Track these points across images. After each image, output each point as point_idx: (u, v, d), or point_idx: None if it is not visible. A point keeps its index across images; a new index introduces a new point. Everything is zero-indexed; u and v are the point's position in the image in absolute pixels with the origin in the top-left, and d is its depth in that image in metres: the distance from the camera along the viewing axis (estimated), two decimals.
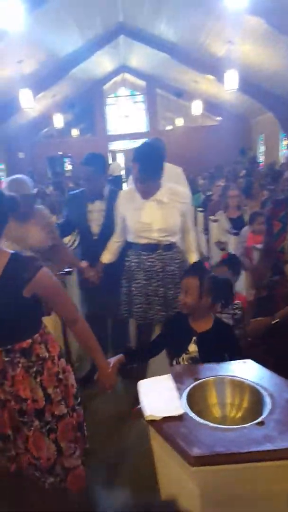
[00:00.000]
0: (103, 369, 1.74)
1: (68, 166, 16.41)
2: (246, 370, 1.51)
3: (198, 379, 1.48)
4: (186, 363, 1.80)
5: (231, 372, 1.50)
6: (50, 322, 2.44)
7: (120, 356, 1.84)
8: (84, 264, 2.79)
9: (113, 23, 10.79)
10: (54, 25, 8.29)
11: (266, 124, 13.79)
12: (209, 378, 1.48)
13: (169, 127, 17.79)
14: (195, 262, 2.35)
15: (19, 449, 1.61)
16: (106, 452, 2.30)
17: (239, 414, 1.39)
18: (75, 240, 3.38)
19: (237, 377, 1.45)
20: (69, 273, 2.98)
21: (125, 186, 7.46)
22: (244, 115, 15.47)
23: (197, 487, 1.21)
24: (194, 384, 1.46)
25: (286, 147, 12.54)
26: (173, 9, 8.58)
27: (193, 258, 2.58)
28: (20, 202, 2.39)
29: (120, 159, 17.51)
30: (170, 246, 2.44)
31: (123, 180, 13.28)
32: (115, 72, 16.73)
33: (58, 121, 14.60)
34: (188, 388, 1.44)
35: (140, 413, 1.39)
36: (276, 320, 1.97)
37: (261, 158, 14.90)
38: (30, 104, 10.06)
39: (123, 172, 15.28)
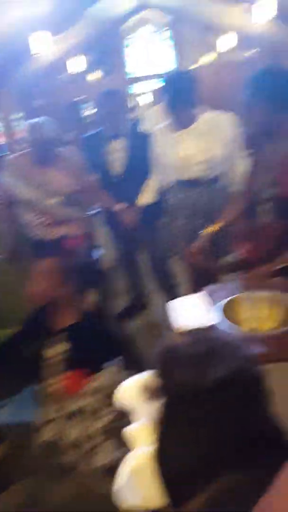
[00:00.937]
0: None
1: (87, 111, 16.18)
2: (278, 284, 1.57)
3: (231, 295, 1.56)
4: None
5: (263, 287, 1.56)
6: None
7: None
8: (121, 205, 2.76)
9: None
10: None
11: None
12: (241, 293, 1.55)
13: (202, 61, 17.06)
14: None
15: None
16: None
17: (273, 327, 1.47)
18: None
19: (269, 291, 1.52)
20: (97, 214, 3.05)
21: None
22: (282, 46, 14.61)
23: None
24: (227, 299, 1.53)
25: None
26: None
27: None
28: (39, 145, 2.48)
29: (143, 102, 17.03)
30: (216, 179, 2.41)
31: None
32: (136, 10, 15.99)
33: (76, 64, 14.23)
34: (221, 303, 1.52)
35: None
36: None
37: None
38: (47, 47, 9.84)
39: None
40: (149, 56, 17.85)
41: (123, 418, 0.70)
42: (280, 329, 1.31)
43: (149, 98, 16.11)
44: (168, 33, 18.48)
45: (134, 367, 2.00)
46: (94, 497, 1.12)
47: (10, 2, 8.27)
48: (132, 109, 14.94)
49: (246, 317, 1.54)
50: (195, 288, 1.99)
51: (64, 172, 2.61)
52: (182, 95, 2.21)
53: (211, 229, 2.02)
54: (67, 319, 1.78)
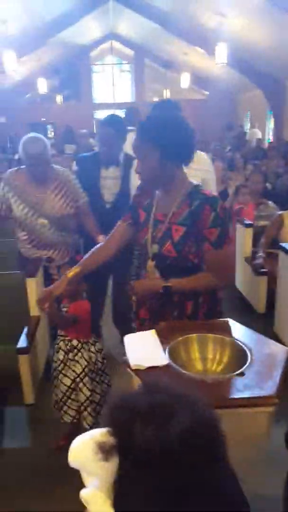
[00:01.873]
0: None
1: (51, 134, 16.03)
2: (227, 327, 1.59)
3: (181, 336, 1.54)
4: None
5: (212, 330, 1.56)
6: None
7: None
8: (101, 238, 2.51)
9: None
10: None
11: (253, 101, 13.74)
12: (192, 334, 1.54)
13: (155, 99, 17.50)
14: None
15: None
16: None
17: (220, 368, 1.46)
18: None
19: (218, 333, 1.52)
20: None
21: None
22: (231, 90, 15.33)
23: None
24: (177, 340, 1.52)
25: (273, 125, 12.54)
26: None
27: None
28: (35, 163, 2.36)
29: None
30: None
31: None
32: (103, 39, 16.23)
33: (42, 86, 14.17)
34: (172, 343, 1.50)
35: (126, 364, 1.45)
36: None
37: (247, 136, 14.89)
38: (13, 66, 9.70)
39: None
40: (113, 85, 18.17)
41: None
42: (227, 375, 1.31)
43: None
44: (128, 66, 18.96)
45: None
46: None
47: None
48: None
49: (196, 357, 1.53)
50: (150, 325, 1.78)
51: (58, 194, 2.46)
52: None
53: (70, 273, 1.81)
54: None
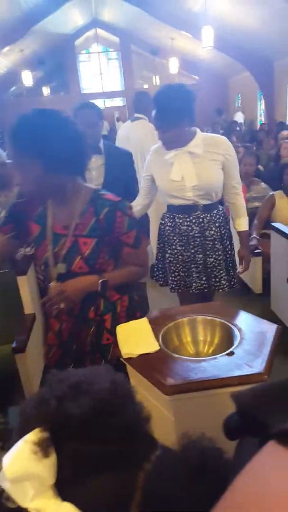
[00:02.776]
0: None
1: None
2: (218, 309, 1.60)
3: (172, 321, 1.56)
4: None
5: (203, 312, 1.58)
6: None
7: None
8: None
9: None
10: None
11: (244, 84, 13.65)
12: (182, 318, 1.56)
13: (145, 86, 17.38)
14: None
15: None
16: None
17: (211, 349, 1.48)
18: None
19: (208, 315, 1.54)
20: None
21: None
22: (221, 74, 15.23)
23: (172, 415, 1.30)
24: (168, 325, 1.53)
25: (263, 106, 12.47)
26: None
27: (242, 225, 2.24)
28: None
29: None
30: (210, 207, 2.09)
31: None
32: (87, 27, 16.05)
33: (27, 78, 13.99)
34: (163, 328, 1.52)
35: (119, 353, 1.46)
36: None
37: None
38: None
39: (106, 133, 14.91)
40: (101, 74, 18.00)
41: None
42: (218, 355, 1.32)
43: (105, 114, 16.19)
44: (115, 54, 18.76)
45: None
46: None
47: None
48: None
49: (187, 341, 1.55)
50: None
51: None
52: (168, 113, 1.92)
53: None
54: None
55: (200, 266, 2.13)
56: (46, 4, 10.10)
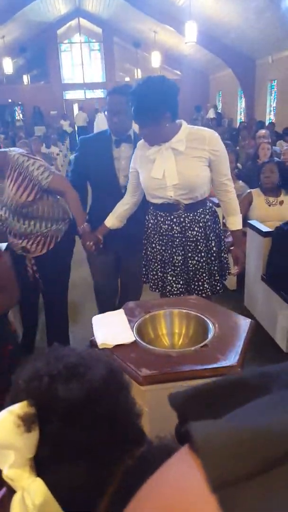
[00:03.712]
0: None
1: (19, 115, 15.64)
2: (193, 303, 1.62)
3: (149, 313, 1.57)
4: None
5: (179, 306, 1.60)
6: None
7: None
8: (85, 227, 2.26)
9: None
10: None
11: (225, 81, 13.73)
12: (158, 311, 1.58)
13: (127, 78, 17.26)
14: None
15: None
16: None
17: (186, 342, 1.50)
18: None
19: (184, 308, 1.56)
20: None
21: None
22: (203, 70, 15.28)
23: (146, 406, 1.31)
24: (144, 317, 1.55)
25: (244, 104, 12.58)
26: None
27: (234, 224, 2.07)
28: None
29: (76, 110, 16.89)
30: (194, 206, 1.95)
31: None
32: (70, 16, 15.79)
33: (8, 66, 13.68)
34: (139, 320, 1.53)
35: (94, 343, 1.47)
36: None
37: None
38: None
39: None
40: (82, 65, 17.74)
41: None
42: (192, 348, 1.35)
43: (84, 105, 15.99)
44: (97, 45, 18.51)
45: None
46: None
47: None
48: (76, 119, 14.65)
49: (163, 333, 1.57)
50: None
51: (13, 183, 2.15)
52: (145, 107, 1.80)
53: None
54: None
55: (178, 269, 1.98)
56: None
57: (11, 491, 0.59)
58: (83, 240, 2.28)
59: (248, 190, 3.48)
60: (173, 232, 1.96)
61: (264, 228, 2.74)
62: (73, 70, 17.38)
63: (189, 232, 1.95)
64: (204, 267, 1.96)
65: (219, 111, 13.85)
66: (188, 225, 1.95)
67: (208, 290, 1.96)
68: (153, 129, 1.84)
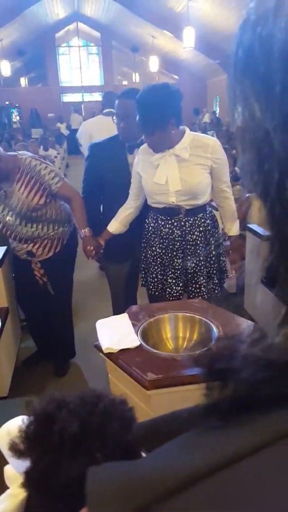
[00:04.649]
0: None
1: (16, 118, 15.63)
2: (197, 307, 1.63)
3: (153, 317, 1.57)
4: None
5: (183, 309, 1.60)
6: None
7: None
8: (87, 232, 2.25)
9: None
10: None
11: (223, 86, 13.80)
12: (163, 315, 1.58)
13: (125, 82, 17.33)
14: None
15: None
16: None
17: (191, 345, 1.51)
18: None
19: (188, 312, 1.56)
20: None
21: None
22: (200, 75, 15.37)
23: (151, 410, 1.31)
24: (148, 321, 1.55)
25: None
26: None
27: (232, 230, 2.12)
28: None
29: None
30: (195, 211, 1.99)
31: None
32: (68, 20, 15.85)
33: (5, 68, 13.70)
34: (144, 324, 1.53)
35: (99, 348, 1.47)
36: None
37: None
38: None
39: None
40: (80, 68, 17.78)
41: None
42: (197, 351, 1.35)
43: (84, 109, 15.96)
44: (95, 49, 18.56)
45: None
46: None
47: None
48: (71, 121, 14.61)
49: (167, 337, 1.57)
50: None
51: (25, 186, 2.16)
52: (150, 115, 1.82)
53: None
54: None
55: (178, 272, 2.01)
56: None
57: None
58: (84, 244, 2.27)
59: (247, 194, 3.50)
60: (174, 235, 1.99)
61: (264, 232, 2.75)
62: (71, 73, 17.41)
63: (189, 236, 1.99)
64: (202, 270, 2.00)
65: (218, 116, 13.90)
66: (189, 229, 1.98)
67: (205, 293, 2.00)
68: (159, 137, 1.86)
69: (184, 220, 1.97)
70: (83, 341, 2.66)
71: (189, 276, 2.00)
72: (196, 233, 1.98)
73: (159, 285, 2.08)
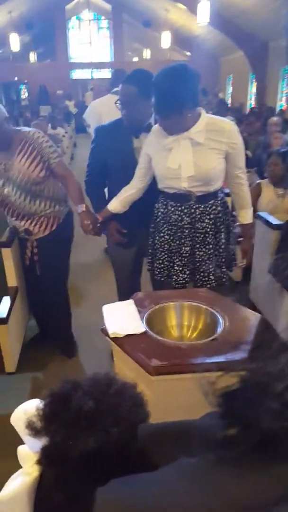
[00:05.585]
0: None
1: (25, 94, 15.48)
2: (203, 296, 1.66)
3: (158, 304, 1.61)
4: None
5: (188, 298, 1.63)
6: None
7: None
8: (83, 207, 2.25)
9: None
10: None
11: (236, 64, 13.51)
12: (168, 303, 1.61)
13: (135, 59, 17.02)
14: None
15: None
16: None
17: (195, 334, 1.54)
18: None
19: (193, 301, 1.59)
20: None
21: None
22: (214, 52, 15.01)
23: (154, 396, 1.36)
24: (154, 308, 1.58)
25: (255, 89, 12.40)
26: None
27: (245, 217, 2.10)
28: None
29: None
30: (206, 198, 1.95)
31: None
32: None
33: (15, 43, 13.48)
34: (149, 311, 1.57)
35: (105, 332, 1.51)
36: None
37: (229, 100, 14.75)
38: None
39: None
40: (90, 43, 17.44)
41: None
42: (202, 341, 1.38)
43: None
44: (106, 23, 18.15)
45: None
46: None
47: None
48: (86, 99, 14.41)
49: (172, 325, 1.61)
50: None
51: (26, 158, 2.19)
52: (166, 97, 1.78)
53: None
54: None
55: (185, 259, 1.99)
56: None
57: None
58: (81, 218, 2.25)
59: (257, 181, 3.48)
60: (183, 223, 1.97)
61: (274, 221, 2.75)
62: (80, 48, 17.12)
63: (199, 223, 1.96)
64: (211, 258, 1.98)
65: (222, 98, 13.64)
66: (198, 216, 1.96)
67: (213, 281, 1.98)
68: (175, 121, 1.83)
69: (194, 207, 1.94)
70: (85, 322, 2.73)
71: (197, 264, 1.98)
72: (206, 220, 1.96)
73: (165, 271, 2.07)
